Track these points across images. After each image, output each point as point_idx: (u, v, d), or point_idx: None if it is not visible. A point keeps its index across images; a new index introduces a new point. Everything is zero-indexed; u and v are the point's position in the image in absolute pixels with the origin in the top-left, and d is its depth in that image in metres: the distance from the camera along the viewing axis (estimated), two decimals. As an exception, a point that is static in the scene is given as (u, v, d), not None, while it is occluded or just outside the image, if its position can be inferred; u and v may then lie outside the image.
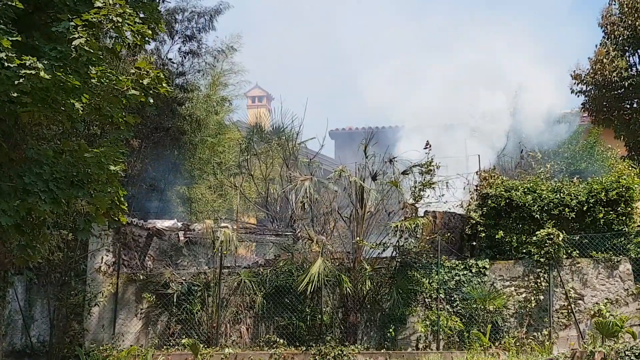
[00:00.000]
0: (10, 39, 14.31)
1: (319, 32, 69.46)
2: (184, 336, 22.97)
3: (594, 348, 17.18)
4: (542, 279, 22.35)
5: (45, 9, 15.91)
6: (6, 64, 14.07)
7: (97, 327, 23.74)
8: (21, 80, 14.19)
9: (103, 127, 17.84)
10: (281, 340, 22.68)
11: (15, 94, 14.41)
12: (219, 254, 23.37)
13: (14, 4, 14.69)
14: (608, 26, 25.23)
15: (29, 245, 16.69)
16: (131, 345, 22.67)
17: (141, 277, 23.99)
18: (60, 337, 23.22)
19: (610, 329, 19.55)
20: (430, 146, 23.51)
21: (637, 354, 16.99)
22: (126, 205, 17.32)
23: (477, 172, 25.38)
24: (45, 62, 14.49)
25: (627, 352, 16.99)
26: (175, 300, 23.35)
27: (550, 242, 22.17)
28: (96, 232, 21.81)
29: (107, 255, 24.12)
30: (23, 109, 15.31)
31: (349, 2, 64.61)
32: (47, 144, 17.06)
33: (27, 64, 14.26)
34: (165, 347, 23.03)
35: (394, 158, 23.58)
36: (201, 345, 21.98)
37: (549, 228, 22.36)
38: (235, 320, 23.44)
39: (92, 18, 15.14)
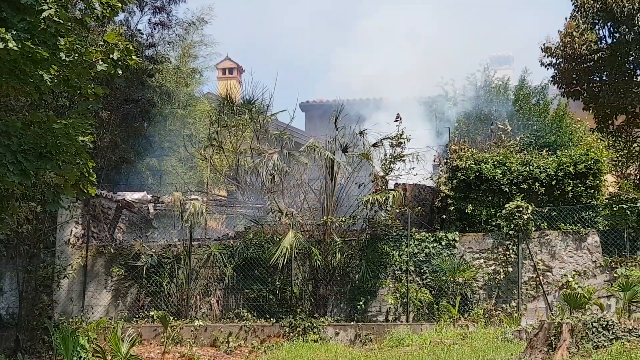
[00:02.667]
0: (-23, 10, 14.25)
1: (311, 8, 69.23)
2: (153, 309, 23.00)
3: (561, 319, 17.34)
4: (511, 251, 22.60)
5: (13, -21, 15.80)
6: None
7: (67, 300, 23.74)
8: (-12, 51, 14.13)
9: (72, 98, 17.78)
10: (249, 314, 22.78)
11: (-18, 66, 14.36)
12: (189, 226, 23.40)
13: (-20, -26, 14.60)
14: (578, -1, 25.43)
15: (-3, 218, 16.69)
16: (100, 318, 22.66)
17: (111, 249, 23.98)
18: (30, 310, 23.18)
19: (578, 301, 19.79)
20: (400, 119, 23.62)
21: (604, 325, 17.16)
22: (95, 177, 17.27)
23: (446, 144, 25.56)
24: (14, 33, 14.42)
25: (594, 324, 17.14)
26: (145, 272, 23.37)
27: (519, 214, 22.39)
28: (65, 204, 21.70)
29: (76, 228, 24.07)
30: (-9, 80, 15.28)
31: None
32: (15, 115, 17.00)
33: (-6, 36, 14.21)
34: (134, 319, 23.04)
35: (364, 130, 23.66)
36: (171, 318, 22.03)
37: (518, 201, 22.57)
38: (205, 292, 23.51)
39: (60, -11, 15.10)
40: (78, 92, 16.44)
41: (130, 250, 23.71)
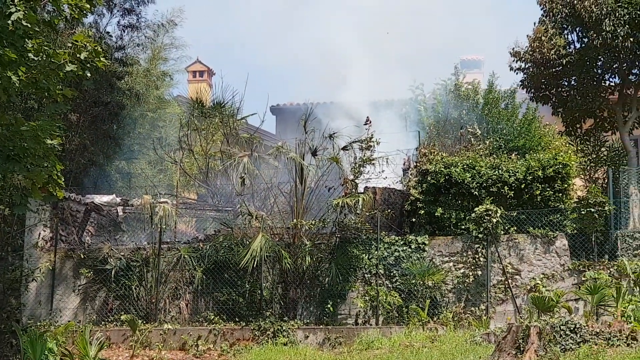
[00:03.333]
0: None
1: (262, 8, 69.10)
2: (122, 312, 22.89)
3: (530, 323, 17.44)
4: (480, 254, 22.73)
5: (-20, -20, 15.72)
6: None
7: (35, 303, 23.59)
8: (-45, 53, 14.06)
9: (40, 101, 17.71)
10: (218, 317, 22.73)
11: (-51, 67, 14.28)
12: (158, 229, 23.33)
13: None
14: (547, 4, 25.45)
15: (-37, 221, 16.59)
16: (69, 321, 22.54)
17: (79, 253, 23.86)
18: (-3, 313, 23.07)
19: (546, 304, 19.93)
20: (370, 122, 23.73)
21: (572, 328, 17.30)
22: (63, 180, 17.16)
23: (416, 148, 25.65)
24: (-19, 35, 14.37)
25: (562, 327, 17.29)
26: (113, 276, 23.26)
27: (488, 218, 22.55)
28: (33, 207, 21.61)
29: (45, 231, 23.93)
30: (-43, 81, 15.18)
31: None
32: (-18, 117, 16.88)
33: (-39, 37, 14.14)
34: (103, 323, 22.94)
35: (334, 134, 23.69)
36: (140, 321, 21.95)
37: (487, 204, 22.72)
38: (174, 295, 23.45)
39: (29, -9, 15.04)
40: (46, 94, 16.34)
41: (98, 253, 23.59)
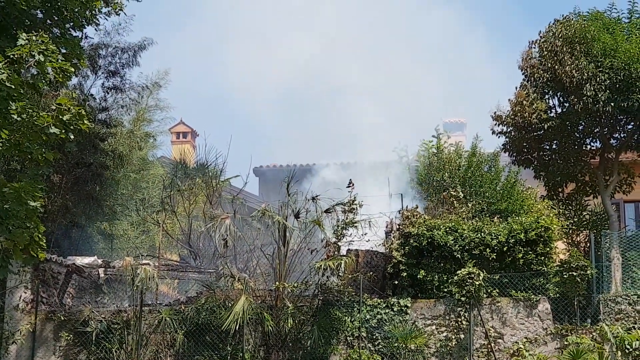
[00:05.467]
0: None
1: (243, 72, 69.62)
2: (102, 376, 22.79)
3: (512, 386, 17.49)
4: (462, 317, 22.72)
5: (-36, 43, 15.90)
6: None
7: (14, 366, 23.46)
8: (-62, 115, 14.16)
9: (23, 162, 17.73)
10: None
11: None
12: (140, 291, 23.27)
13: None
14: (528, 69, 25.71)
15: (-57, 283, 16.56)
16: (48, 385, 22.43)
17: (60, 315, 23.76)
18: (-24, 377, 22.88)
19: (528, 368, 19.93)
20: (353, 185, 23.80)
21: (554, 392, 17.35)
22: (45, 241, 17.23)
23: (399, 210, 25.76)
24: (-35, 98, 14.48)
25: (544, 391, 17.34)
26: (94, 338, 23.14)
27: (470, 281, 22.54)
28: (14, 269, 21.57)
29: (26, 293, 23.84)
30: (-60, 143, 15.27)
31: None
32: (-36, 179, 16.92)
33: (-55, 99, 14.26)
34: (83, 386, 22.83)
35: (316, 196, 23.79)
36: (120, 385, 21.84)
37: (469, 267, 22.74)
38: (155, 359, 23.32)
39: (14, 54, 15.19)
40: (29, 156, 16.45)
41: (79, 315, 23.50)
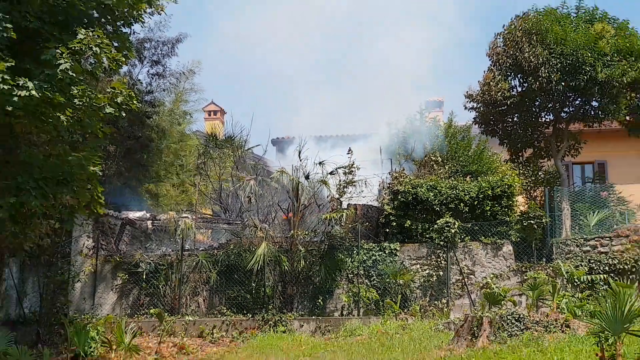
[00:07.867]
0: (6, 63, 14.19)
1: (263, 57, 69.33)
2: (151, 307, 22.78)
3: (482, 313, 17.47)
4: (441, 258, 22.74)
5: (35, 37, 15.73)
6: (1, 86, 13.97)
7: (80, 300, 23.45)
8: (15, 98, 14.08)
9: (84, 135, 17.66)
10: (229, 311, 22.65)
11: (10, 108, 14.28)
12: (181, 239, 23.31)
13: (8, 34, 14.53)
14: (494, 56, 25.47)
15: (22, 233, 16.56)
16: (108, 314, 22.40)
17: (116, 258, 23.79)
18: (49, 308, 22.83)
19: (495, 298, 19.88)
20: (352, 152, 23.78)
21: (517, 318, 17.35)
22: (103, 199, 17.21)
23: (389, 172, 25.71)
24: (35, 83, 14.38)
25: (509, 317, 17.35)
26: (144, 277, 23.19)
27: (448, 229, 22.60)
28: (79, 222, 21.52)
29: (88, 240, 23.84)
30: (16, 120, 15.20)
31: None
32: (37, 149, 16.85)
33: (20, 84, 14.17)
34: (136, 315, 22.83)
35: (323, 161, 23.77)
36: (166, 314, 21.83)
37: (447, 218, 22.79)
38: (193, 293, 23.36)
39: (75, 47, 15.06)
40: (89, 130, 16.40)
41: (132, 259, 23.52)
